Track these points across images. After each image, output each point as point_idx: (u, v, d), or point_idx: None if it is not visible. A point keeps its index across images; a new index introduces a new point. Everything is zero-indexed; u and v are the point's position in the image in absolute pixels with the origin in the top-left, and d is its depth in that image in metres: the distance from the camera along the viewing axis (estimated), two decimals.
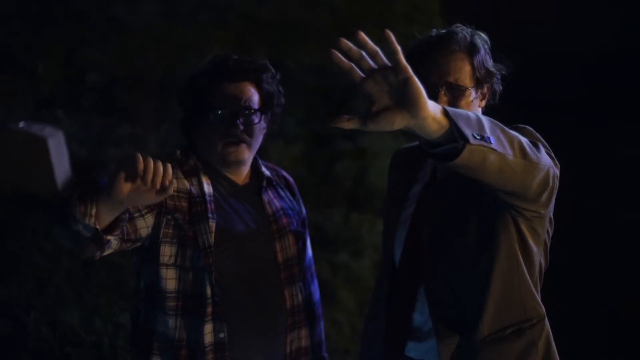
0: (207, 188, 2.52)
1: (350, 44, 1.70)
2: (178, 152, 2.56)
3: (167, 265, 2.47)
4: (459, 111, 1.83)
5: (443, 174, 2.39)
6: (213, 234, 2.47)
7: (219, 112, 2.50)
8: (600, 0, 8.52)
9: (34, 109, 6.41)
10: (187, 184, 2.50)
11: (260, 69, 2.58)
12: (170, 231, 2.46)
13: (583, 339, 2.20)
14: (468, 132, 1.80)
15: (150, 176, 2.05)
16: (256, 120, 2.53)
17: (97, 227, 2.15)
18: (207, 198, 2.50)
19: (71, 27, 7.57)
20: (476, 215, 2.28)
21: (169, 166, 2.09)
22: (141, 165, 2.04)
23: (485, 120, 1.89)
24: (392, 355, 2.44)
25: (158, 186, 2.06)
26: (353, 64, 1.72)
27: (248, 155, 2.56)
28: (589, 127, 6.85)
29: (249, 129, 2.52)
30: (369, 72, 1.71)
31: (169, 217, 2.46)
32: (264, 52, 7.71)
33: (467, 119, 1.83)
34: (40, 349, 4.04)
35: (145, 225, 2.43)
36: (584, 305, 4.14)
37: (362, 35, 1.68)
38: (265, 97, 2.57)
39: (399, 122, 1.73)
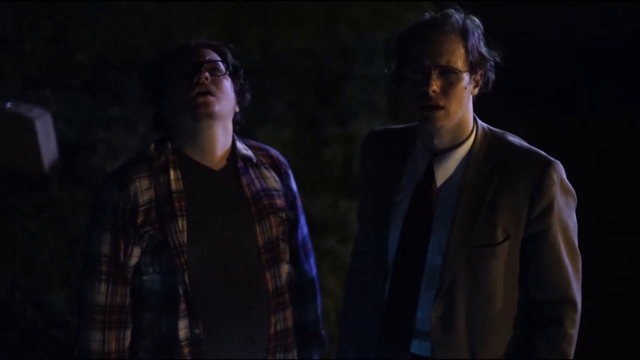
0: (175, 184, 2.48)
1: None
2: (152, 147, 2.51)
3: (146, 273, 2.47)
4: None
5: (444, 178, 2.36)
6: (185, 232, 2.45)
7: (184, 66, 2.46)
8: None
9: (21, 89, 6.37)
10: (152, 193, 2.46)
11: (222, 46, 2.56)
12: (145, 243, 2.45)
13: None
14: None
15: None
16: (223, 70, 2.49)
17: None
18: (174, 196, 2.46)
19: (60, 5, 7.50)
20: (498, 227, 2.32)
21: None
22: None
23: None
24: (394, 354, 2.44)
25: None
26: None
27: (218, 108, 2.47)
28: (574, 116, 6.86)
29: (216, 80, 2.47)
30: None
31: (142, 230, 2.44)
32: (255, 34, 7.68)
33: None
34: (26, 331, 4.02)
35: (135, 255, 2.46)
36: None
37: None
38: (230, 65, 2.53)
39: None
